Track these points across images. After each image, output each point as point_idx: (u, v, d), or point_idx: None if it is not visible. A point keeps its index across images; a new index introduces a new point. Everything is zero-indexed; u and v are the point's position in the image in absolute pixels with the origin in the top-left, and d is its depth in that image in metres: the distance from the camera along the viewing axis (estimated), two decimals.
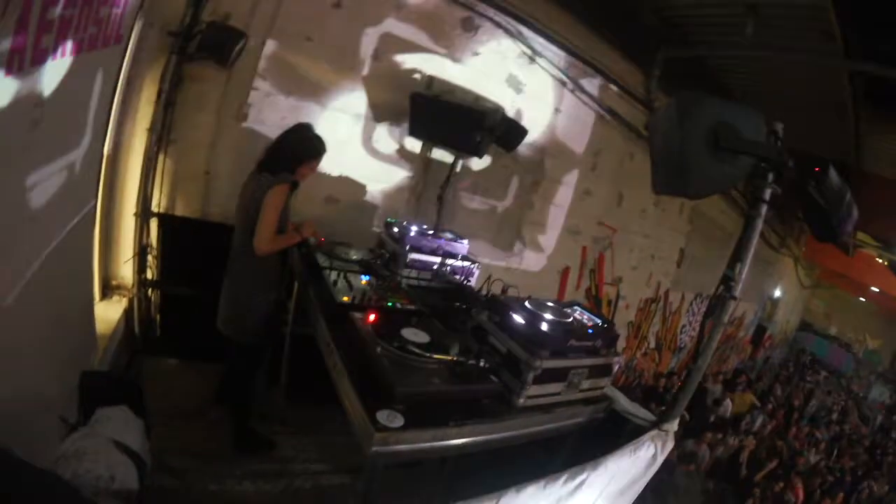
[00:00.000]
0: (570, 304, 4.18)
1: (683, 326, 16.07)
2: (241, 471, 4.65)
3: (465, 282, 5.14)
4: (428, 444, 2.90)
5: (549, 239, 9.10)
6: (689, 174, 3.21)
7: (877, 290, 27.39)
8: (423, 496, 4.15)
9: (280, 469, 4.86)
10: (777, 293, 25.62)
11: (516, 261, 8.54)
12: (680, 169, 3.23)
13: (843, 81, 8.26)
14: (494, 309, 3.80)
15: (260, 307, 4.56)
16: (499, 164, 7.54)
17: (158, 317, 5.90)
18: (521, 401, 3.31)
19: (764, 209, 3.56)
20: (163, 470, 4.17)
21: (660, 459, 3.86)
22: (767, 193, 3.48)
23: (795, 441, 16.45)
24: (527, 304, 3.73)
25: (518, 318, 3.59)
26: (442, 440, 2.95)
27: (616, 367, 3.98)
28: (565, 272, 9.76)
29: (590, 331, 3.73)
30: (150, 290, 5.78)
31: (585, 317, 4.00)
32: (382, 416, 2.70)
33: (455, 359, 3.19)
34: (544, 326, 3.49)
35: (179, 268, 5.72)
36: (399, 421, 2.72)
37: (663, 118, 3.32)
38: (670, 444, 3.91)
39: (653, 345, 14.75)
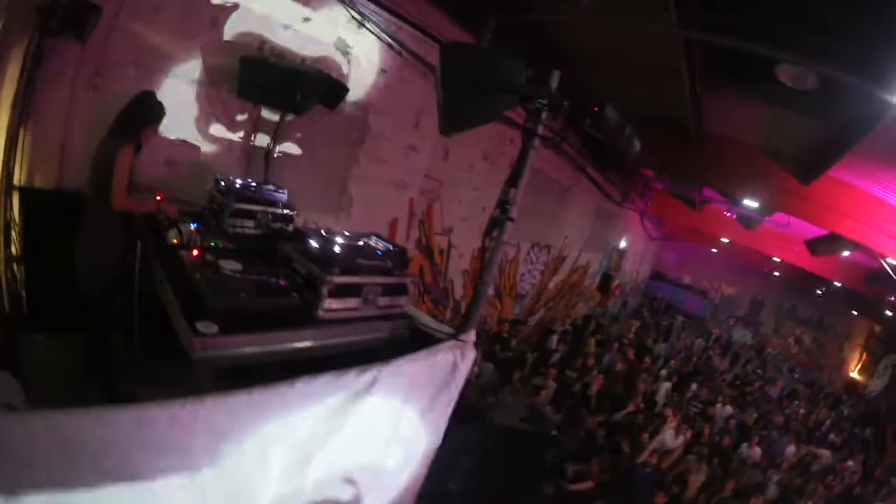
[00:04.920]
0: (367, 234, 4.73)
1: (522, 275, 16.81)
2: None
3: (284, 228, 5.55)
4: (241, 350, 3.45)
5: (376, 192, 9.51)
6: (460, 112, 3.90)
7: (727, 241, 28.96)
8: None
9: None
10: (623, 244, 26.78)
11: (344, 214, 8.87)
12: (453, 109, 3.90)
13: (678, 48, 8.88)
14: (298, 240, 4.37)
15: (107, 260, 4.97)
16: (324, 121, 7.83)
17: (24, 292, 5.92)
18: (321, 313, 3.86)
19: (536, 142, 4.24)
20: None
21: (462, 368, 4.29)
22: (539, 128, 4.18)
23: (647, 375, 17.86)
24: (322, 232, 4.33)
25: (314, 244, 4.16)
26: (253, 346, 3.52)
27: (412, 288, 4.56)
28: (394, 223, 10.20)
29: (378, 252, 4.33)
30: (15, 266, 5.86)
31: (380, 243, 4.56)
32: (201, 325, 3.25)
33: (261, 278, 3.82)
34: (336, 248, 4.07)
35: (43, 240, 5.79)
36: (214, 328, 3.27)
37: (438, 67, 3.92)
38: (471, 354, 4.36)
39: (492, 292, 15.31)
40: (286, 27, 7.21)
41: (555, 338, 17.36)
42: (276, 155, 7.10)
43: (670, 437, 13.08)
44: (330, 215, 8.52)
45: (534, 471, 9.70)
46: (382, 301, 4.31)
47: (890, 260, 17.18)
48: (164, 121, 5.35)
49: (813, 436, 20.97)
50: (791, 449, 16.90)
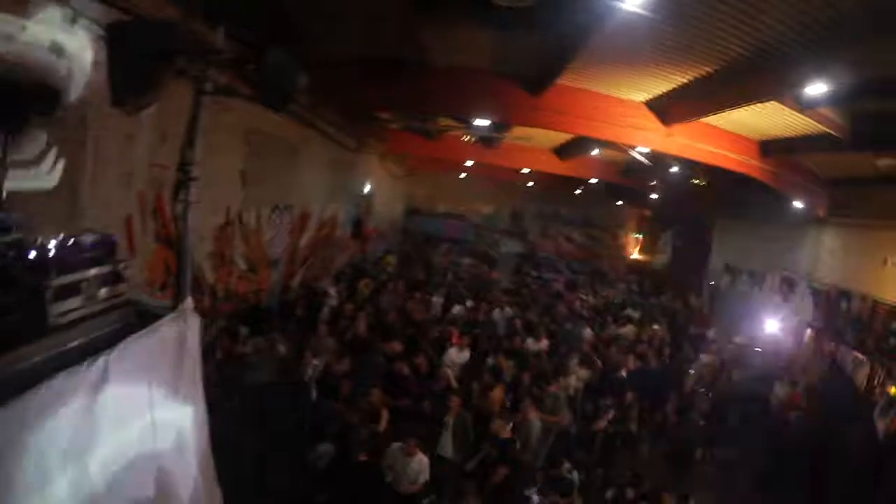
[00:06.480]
0: (85, 233, 4.74)
1: (271, 240, 16.54)
2: None
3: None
4: None
5: (105, 192, 9.17)
6: (127, 85, 4.51)
7: (472, 163, 30.47)
8: None
9: None
10: (367, 188, 27.02)
11: (78, 222, 8.26)
12: (121, 83, 4.50)
13: None
14: (17, 258, 4.14)
15: None
16: (46, 131, 7.54)
17: None
18: (51, 320, 3.92)
19: (204, 98, 4.90)
20: None
21: (191, 337, 4.59)
22: (208, 85, 4.84)
23: (421, 305, 18.85)
24: (35, 242, 4.27)
25: (30, 257, 4.11)
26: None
27: (127, 271, 4.72)
28: (129, 220, 9.96)
29: (88, 245, 4.51)
30: None
31: (87, 237, 4.63)
32: None
33: None
34: (47, 255, 4.15)
35: None
36: None
37: (104, 48, 4.55)
38: (195, 322, 4.67)
39: (245, 267, 15.14)
40: (8, 40, 6.70)
41: (327, 296, 17.73)
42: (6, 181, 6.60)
43: (454, 352, 14.19)
44: (64, 227, 7.79)
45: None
46: (103, 292, 4.45)
47: (640, 149, 18.72)
48: None
49: (608, 315, 22.72)
50: (587, 332, 18.18)
